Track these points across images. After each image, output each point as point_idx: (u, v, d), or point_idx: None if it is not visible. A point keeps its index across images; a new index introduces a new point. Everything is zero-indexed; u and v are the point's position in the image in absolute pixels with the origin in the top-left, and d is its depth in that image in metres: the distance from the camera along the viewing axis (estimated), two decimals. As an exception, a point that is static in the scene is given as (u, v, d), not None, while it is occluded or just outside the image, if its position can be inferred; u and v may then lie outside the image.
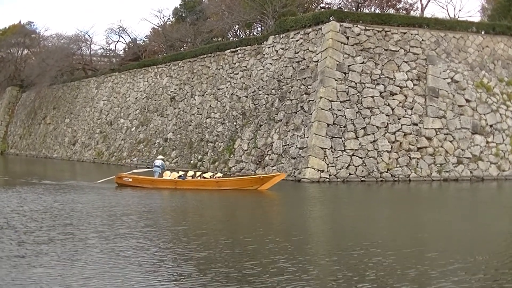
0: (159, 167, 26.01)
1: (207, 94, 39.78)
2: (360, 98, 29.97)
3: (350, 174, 28.31)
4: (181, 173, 24.80)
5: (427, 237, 12.99)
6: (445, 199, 23.41)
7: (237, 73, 37.59)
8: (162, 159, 27.56)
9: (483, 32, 34.43)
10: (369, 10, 45.93)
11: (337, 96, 29.66)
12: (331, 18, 31.30)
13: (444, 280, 8.72)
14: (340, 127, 29.14)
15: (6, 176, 31.60)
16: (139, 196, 21.20)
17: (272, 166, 30.63)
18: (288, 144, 30.54)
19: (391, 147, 29.42)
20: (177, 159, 39.20)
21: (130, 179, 24.47)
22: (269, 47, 35.43)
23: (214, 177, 24.21)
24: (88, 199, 19.60)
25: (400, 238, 12.93)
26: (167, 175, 24.76)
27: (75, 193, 21.22)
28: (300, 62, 32.54)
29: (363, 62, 30.64)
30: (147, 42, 63.86)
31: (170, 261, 9.93)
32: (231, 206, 19.59)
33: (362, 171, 28.46)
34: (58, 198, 19.37)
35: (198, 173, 25.10)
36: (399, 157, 29.33)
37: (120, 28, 62.15)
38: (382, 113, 29.91)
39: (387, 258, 10.13)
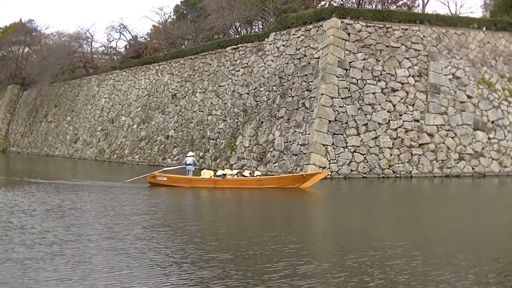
0: (191, 164, 24.94)
1: (208, 91, 39.79)
2: (362, 95, 29.95)
3: (351, 170, 28.32)
4: (220, 172, 24.07)
5: (451, 236, 12.82)
6: (457, 196, 23.31)
7: (238, 70, 37.58)
8: (193, 156, 26.47)
9: (484, 28, 34.37)
10: (371, 6, 45.89)
11: (338, 92, 29.64)
12: (332, 15, 31.27)
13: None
14: (342, 123, 29.12)
15: (16, 176, 29.96)
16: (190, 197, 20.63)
17: (274, 163, 30.64)
18: (289, 141, 30.54)
19: (393, 144, 29.41)
20: (178, 156, 39.20)
21: (165, 178, 23.63)
22: (270, 44, 35.41)
23: (255, 175, 23.65)
24: (134, 201, 18.97)
25: (428, 237, 12.72)
26: (205, 173, 23.88)
27: (114, 195, 20.38)
28: (301, 59, 32.53)
29: (364, 59, 30.62)
30: (148, 39, 63.82)
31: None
32: (293, 206, 19.08)
33: (364, 167, 28.45)
34: (103, 200, 18.60)
35: (234, 171, 24.39)
36: (401, 154, 29.32)
37: (121, 26, 62.21)
38: (384, 109, 29.90)
39: (431, 258, 10.08)
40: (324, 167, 27.81)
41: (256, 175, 23.68)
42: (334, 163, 28.28)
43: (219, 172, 24.03)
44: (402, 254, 10.42)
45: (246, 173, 23.98)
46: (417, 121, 30.13)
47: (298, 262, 9.65)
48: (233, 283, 8.38)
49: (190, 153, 27.48)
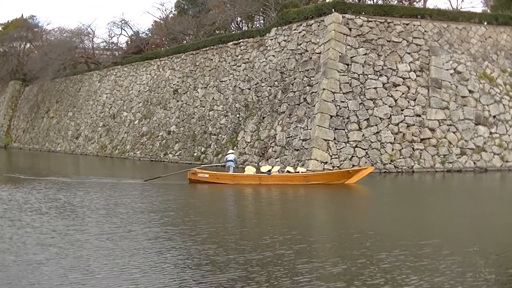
0: (232, 161, 24.35)
1: (210, 87, 39.81)
2: (363, 90, 29.97)
3: (353, 165, 28.32)
4: (265, 168, 23.70)
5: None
6: (480, 190, 23.45)
7: (240, 65, 37.59)
8: (233, 153, 25.82)
9: (485, 23, 34.33)
10: (372, 1, 45.83)
11: (340, 87, 29.66)
12: (333, 10, 31.24)
13: None
14: (343, 118, 29.15)
15: (30, 174, 27.60)
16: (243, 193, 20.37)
17: (276, 158, 30.69)
18: (291, 136, 30.58)
19: (394, 139, 29.44)
20: (180, 151, 39.28)
21: (207, 175, 23.04)
22: (272, 39, 35.41)
23: (298, 171, 23.27)
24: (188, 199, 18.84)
25: (493, 236, 12.61)
26: (250, 170, 23.55)
27: (158, 192, 20.01)
28: (302, 54, 32.54)
29: (365, 54, 30.62)
30: (150, 35, 63.78)
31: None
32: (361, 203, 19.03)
33: (366, 162, 28.48)
34: (153, 198, 18.37)
35: (276, 168, 23.96)
36: (402, 149, 29.36)
37: (123, 21, 62.09)
38: (385, 104, 29.92)
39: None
40: (326, 162, 27.87)
41: (299, 171, 23.24)
42: (336, 158, 28.32)
43: (264, 168, 23.64)
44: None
45: (290, 169, 23.52)
46: (419, 115, 30.15)
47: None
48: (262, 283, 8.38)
49: (231, 150, 26.83)
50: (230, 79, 38.07)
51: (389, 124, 29.59)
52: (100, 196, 18.66)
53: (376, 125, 29.43)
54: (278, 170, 23.45)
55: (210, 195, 20.86)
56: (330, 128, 28.74)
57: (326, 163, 27.86)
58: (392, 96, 30.20)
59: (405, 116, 29.94)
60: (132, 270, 8.90)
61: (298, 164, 28.59)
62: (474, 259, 9.80)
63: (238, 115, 35.79)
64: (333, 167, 27.90)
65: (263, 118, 33.45)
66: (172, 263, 9.43)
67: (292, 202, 19.35)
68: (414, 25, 31.83)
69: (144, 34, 64.36)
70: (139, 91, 48.32)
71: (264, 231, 12.66)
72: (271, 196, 20.20)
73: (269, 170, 23.10)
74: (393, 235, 12.30)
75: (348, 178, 22.52)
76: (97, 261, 9.42)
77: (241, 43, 38.11)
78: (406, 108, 30.12)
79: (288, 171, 23.16)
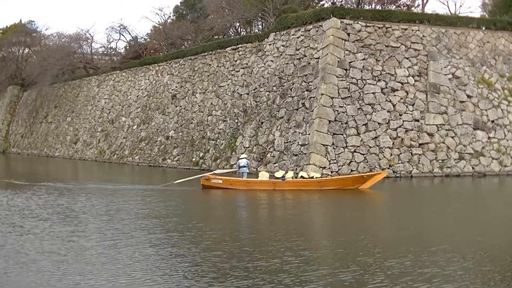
0: (246, 166, 24.23)
1: (208, 92, 39.81)
2: (362, 95, 29.97)
3: (352, 170, 28.31)
4: (279, 173, 23.51)
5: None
6: (485, 195, 23.45)
7: (238, 71, 37.60)
8: (246, 158, 25.57)
9: (484, 28, 34.38)
10: (370, 6, 45.91)
11: (338, 92, 29.66)
12: (331, 15, 31.28)
13: None
14: (342, 123, 29.14)
15: (26, 179, 27.53)
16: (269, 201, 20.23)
17: (274, 163, 30.65)
18: (289, 141, 30.56)
19: (393, 143, 29.42)
20: (178, 157, 39.24)
21: (220, 181, 22.87)
22: (270, 44, 35.43)
23: (314, 177, 23.18)
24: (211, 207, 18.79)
25: None
26: (264, 175, 23.40)
27: (177, 198, 19.96)
28: (301, 59, 32.55)
29: (364, 59, 30.63)
30: (148, 40, 63.88)
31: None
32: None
33: (364, 167, 28.46)
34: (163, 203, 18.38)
35: (290, 173, 23.85)
36: (401, 153, 29.33)
37: (121, 27, 62.27)
38: (384, 109, 29.91)
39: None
40: (324, 167, 27.83)
41: (313, 177, 23.10)
42: (334, 163, 28.29)
43: (278, 174, 23.45)
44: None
45: (304, 174, 23.38)
46: (417, 120, 30.15)
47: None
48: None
49: (243, 155, 26.43)
50: (228, 84, 38.07)
51: (387, 129, 29.58)
52: (134, 204, 18.52)
53: (374, 130, 29.41)
54: (292, 176, 23.36)
55: (224, 201, 20.73)
56: (329, 133, 28.72)
57: (324, 168, 27.82)
58: (390, 101, 30.20)
59: (403, 121, 29.93)
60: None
61: (296, 169, 28.58)
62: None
63: (236, 120, 35.76)
64: (331, 172, 27.86)
65: (262, 123, 33.44)
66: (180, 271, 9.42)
67: (305, 207, 19.17)
68: (412, 30, 31.87)
69: (143, 39, 64.54)
70: (137, 96, 48.31)
71: (274, 237, 12.61)
72: (285, 202, 20.08)
73: (283, 176, 22.98)
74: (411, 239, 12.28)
75: (362, 183, 22.47)
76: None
77: (240, 48, 38.13)
78: (405, 113, 30.12)
79: (302, 177, 23.07)
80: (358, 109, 29.64)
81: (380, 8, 43.77)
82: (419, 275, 9.00)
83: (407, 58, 31.23)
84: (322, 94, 29.38)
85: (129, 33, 65.10)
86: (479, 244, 11.69)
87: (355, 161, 28.59)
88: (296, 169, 28.65)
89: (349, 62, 30.37)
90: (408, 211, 17.77)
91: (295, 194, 21.18)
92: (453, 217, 16.40)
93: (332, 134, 28.75)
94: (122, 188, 24.08)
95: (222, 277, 8.91)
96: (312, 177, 23.04)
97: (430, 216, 16.35)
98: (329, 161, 28.24)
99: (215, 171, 25.49)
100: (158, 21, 62.71)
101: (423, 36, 31.95)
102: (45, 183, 25.12)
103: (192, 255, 10.49)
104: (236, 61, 38.16)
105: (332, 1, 48.82)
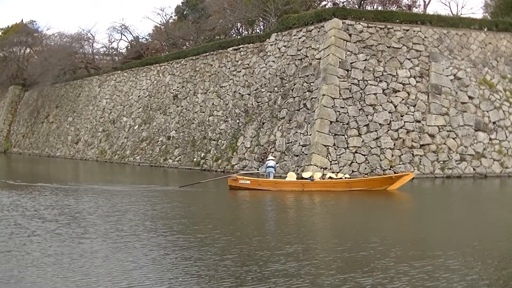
0: (273, 167, 24.00)
1: (209, 92, 39.80)
2: (363, 95, 29.95)
3: (353, 171, 28.29)
4: (307, 174, 23.48)
5: None
6: (492, 197, 23.49)
7: (240, 71, 37.60)
8: (273, 159, 25.29)
9: (486, 29, 34.36)
10: (372, 7, 45.90)
11: (339, 93, 29.64)
12: (333, 16, 31.27)
13: None
14: (343, 124, 29.12)
15: (26, 180, 26.98)
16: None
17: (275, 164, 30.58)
18: (291, 142, 30.54)
19: (394, 144, 29.40)
20: (180, 157, 39.23)
21: (248, 182, 22.72)
22: (272, 45, 35.42)
23: (343, 177, 23.01)
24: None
25: None
26: (292, 176, 23.35)
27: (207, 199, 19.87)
28: (302, 60, 32.54)
29: (365, 59, 30.62)
30: (150, 40, 63.90)
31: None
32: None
33: (365, 168, 28.44)
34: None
35: (319, 174, 23.83)
36: (402, 154, 29.31)
37: (123, 27, 62.30)
38: (385, 110, 29.89)
39: None
40: (326, 168, 27.81)
41: (342, 177, 22.97)
42: (336, 164, 28.27)
43: (306, 174, 23.38)
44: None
45: (332, 175, 23.25)
46: (419, 122, 30.12)
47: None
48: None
49: (271, 157, 26.16)
50: (230, 85, 38.06)
51: (388, 130, 29.56)
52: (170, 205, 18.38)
53: (375, 131, 29.39)
54: (320, 177, 23.29)
55: (258, 202, 20.38)
56: (330, 133, 28.70)
57: (325, 168, 27.80)
58: (392, 102, 30.17)
59: (404, 122, 29.91)
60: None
61: (298, 169, 28.56)
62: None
63: (238, 121, 35.76)
64: (332, 172, 27.82)
65: (263, 123, 33.42)
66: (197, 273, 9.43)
67: (334, 208, 18.91)
68: (414, 31, 31.85)
69: (144, 39, 64.60)
70: (139, 96, 48.32)
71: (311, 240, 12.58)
72: (314, 203, 19.90)
73: (311, 176, 22.91)
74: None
75: (390, 184, 22.38)
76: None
77: (241, 48, 38.12)
78: (406, 114, 30.09)
79: (330, 177, 22.98)
80: (359, 110, 29.62)
81: (381, 9, 43.72)
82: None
83: (408, 59, 31.21)
84: (324, 95, 29.36)
85: (131, 33, 65.07)
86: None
87: (356, 162, 28.57)
88: (297, 169, 28.65)
89: (351, 63, 30.36)
90: (453, 214, 17.39)
91: (324, 195, 20.91)
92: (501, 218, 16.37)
93: (333, 134, 28.73)
94: (149, 189, 23.57)
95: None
96: (340, 178, 22.91)
97: (481, 219, 16.28)
98: (330, 161, 28.22)
99: (241, 172, 25.26)
100: (160, 21, 62.84)
101: (425, 37, 31.92)
102: (49, 184, 25.09)
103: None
104: (237, 61, 38.16)
105: (333, 1, 48.81)
